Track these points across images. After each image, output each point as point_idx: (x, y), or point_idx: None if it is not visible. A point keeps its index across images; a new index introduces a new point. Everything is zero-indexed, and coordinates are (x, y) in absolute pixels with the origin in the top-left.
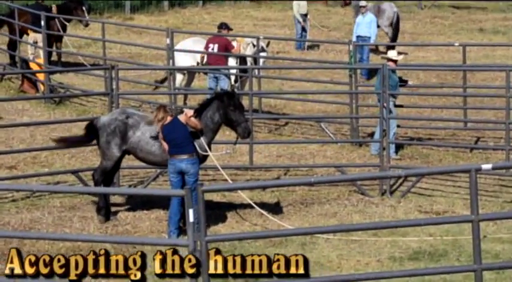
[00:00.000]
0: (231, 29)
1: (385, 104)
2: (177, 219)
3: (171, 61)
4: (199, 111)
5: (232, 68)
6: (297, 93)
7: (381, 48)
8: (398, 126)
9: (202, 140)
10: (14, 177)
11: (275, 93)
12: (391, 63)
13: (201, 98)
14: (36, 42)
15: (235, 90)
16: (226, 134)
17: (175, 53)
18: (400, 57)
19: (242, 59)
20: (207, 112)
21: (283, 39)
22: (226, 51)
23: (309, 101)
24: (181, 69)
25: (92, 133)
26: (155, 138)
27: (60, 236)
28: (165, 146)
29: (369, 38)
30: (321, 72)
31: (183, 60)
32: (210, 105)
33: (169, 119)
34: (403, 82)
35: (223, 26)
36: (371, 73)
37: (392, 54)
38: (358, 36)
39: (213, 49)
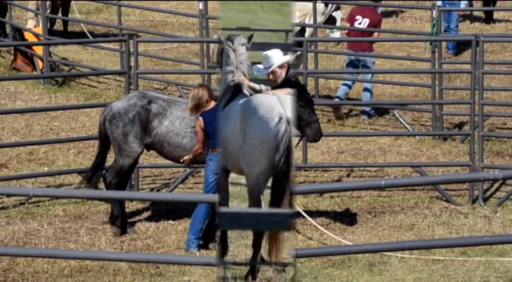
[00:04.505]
0: None
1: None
2: (200, 227)
3: (204, 31)
4: None
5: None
6: (363, 73)
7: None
8: None
9: None
10: (4, 179)
11: (335, 73)
12: None
13: None
14: (39, 9)
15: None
16: None
17: None
18: None
19: (299, 30)
20: None
21: (345, 3)
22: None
23: (379, 83)
24: (216, 42)
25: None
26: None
27: (63, 252)
28: (201, 137)
29: (459, 1)
30: (395, 45)
31: None
32: None
33: (212, 104)
34: None
35: None
36: (460, 47)
37: None
38: None
39: (362, 25)
